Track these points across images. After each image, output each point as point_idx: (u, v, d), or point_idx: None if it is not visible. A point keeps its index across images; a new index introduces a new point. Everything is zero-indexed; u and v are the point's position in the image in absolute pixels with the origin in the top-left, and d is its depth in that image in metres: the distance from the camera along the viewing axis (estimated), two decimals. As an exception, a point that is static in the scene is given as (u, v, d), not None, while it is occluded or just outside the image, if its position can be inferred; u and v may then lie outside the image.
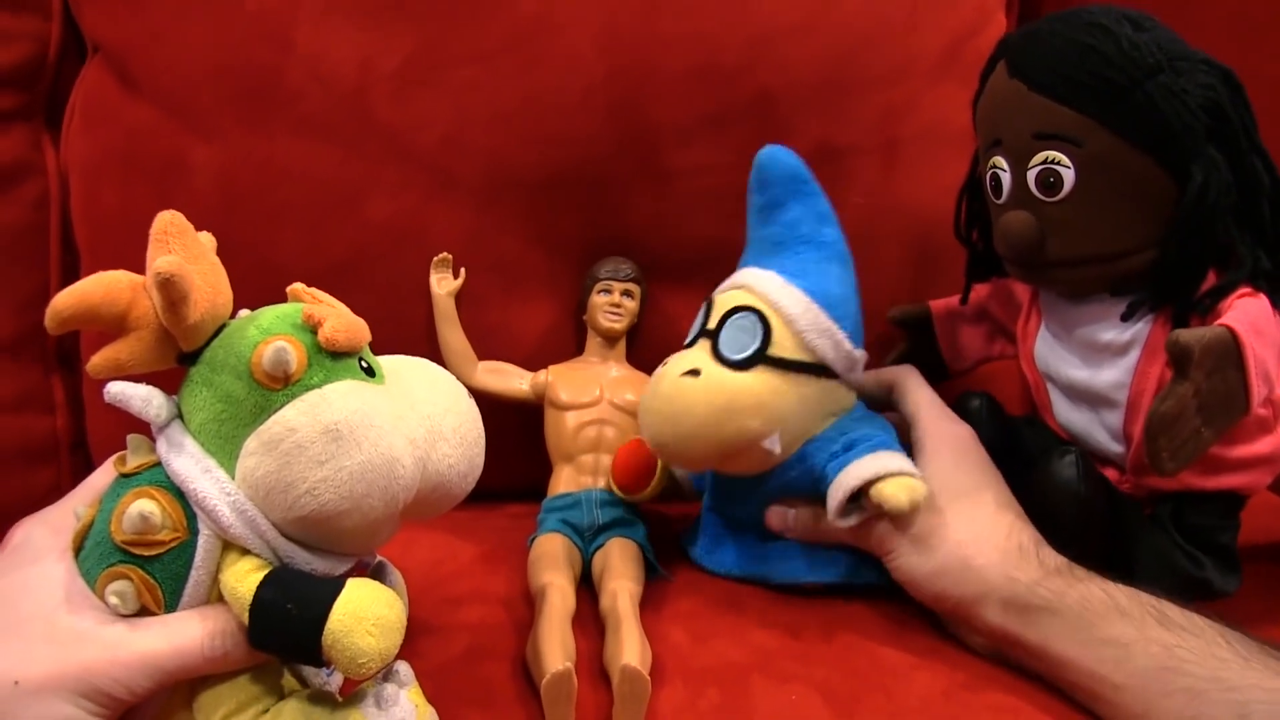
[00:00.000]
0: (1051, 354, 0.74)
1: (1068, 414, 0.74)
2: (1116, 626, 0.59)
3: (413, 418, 0.55)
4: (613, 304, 0.87)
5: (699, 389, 0.68)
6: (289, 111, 0.88)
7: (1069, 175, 0.65)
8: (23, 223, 0.94)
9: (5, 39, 0.92)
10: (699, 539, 0.79)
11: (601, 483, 0.81)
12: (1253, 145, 0.64)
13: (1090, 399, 0.71)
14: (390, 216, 0.89)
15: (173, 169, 0.89)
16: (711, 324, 0.71)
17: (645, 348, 0.90)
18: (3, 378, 0.93)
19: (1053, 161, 0.65)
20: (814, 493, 0.70)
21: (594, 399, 0.85)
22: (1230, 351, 0.59)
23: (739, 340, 0.69)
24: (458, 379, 0.83)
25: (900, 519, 0.67)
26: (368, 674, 0.51)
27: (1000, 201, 0.69)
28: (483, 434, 0.61)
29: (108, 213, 0.90)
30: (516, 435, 0.89)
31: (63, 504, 0.57)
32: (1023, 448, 0.75)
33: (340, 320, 0.54)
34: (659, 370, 0.71)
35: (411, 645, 0.66)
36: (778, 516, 0.74)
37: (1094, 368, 0.70)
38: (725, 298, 0.72)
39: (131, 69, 0.91)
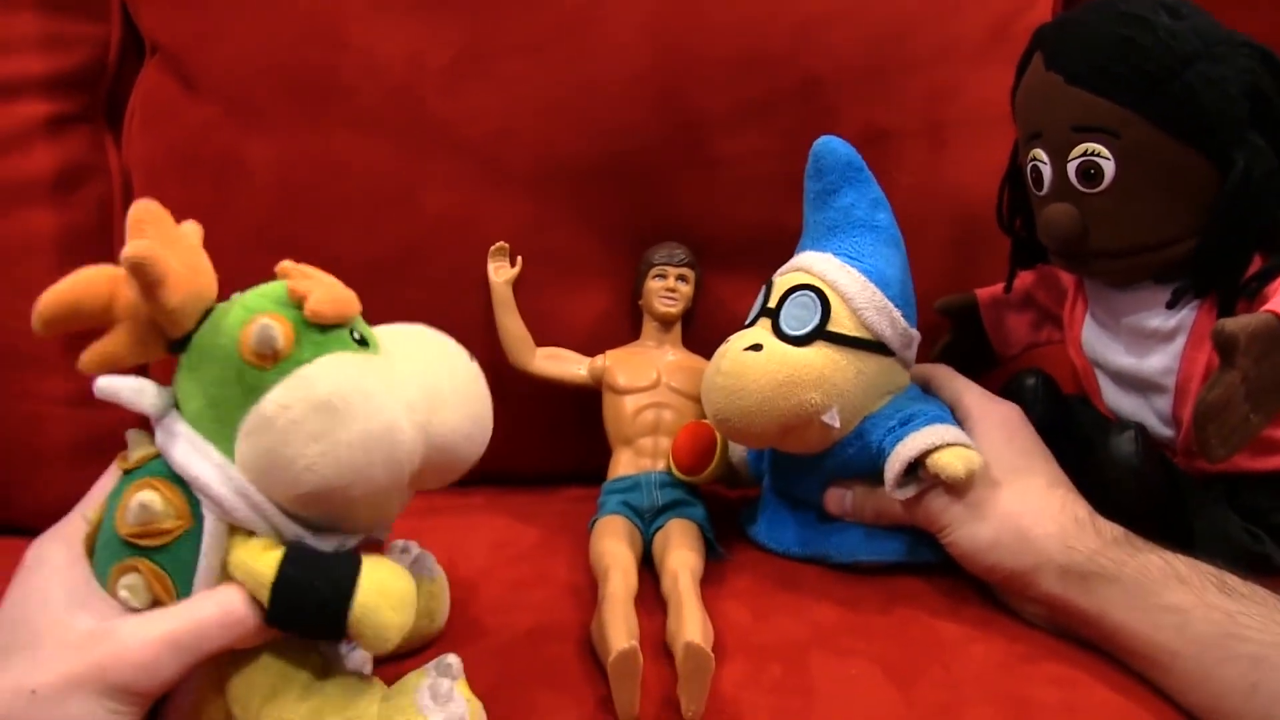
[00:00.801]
0: (1098, 341, 0.74)
1: (1117, 399, 0.74)
2: (1176, 594, 0.59)
3: (409, 384, 0.54)
4: (668, 289, 0.88)
5: (761, 363, 0.69)
6: (343, 107, 0.89)
7: (1109, 167, 0.64)
8: (88, 224, 0.96)
9: (66, 44, 0.94)
10: (759, 518, 0.80)
11: (660, 465, 0.82)
12: None
13: (1138, 385, 0.71)
14: (444, 208, 0.90)
15: (231, 166, 0.90)
16: (772, 303, 0.72)
17: (700, 332, 0.91)
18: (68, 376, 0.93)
19: (1092, 153, 0.65)
20: (871, 472, 0.71)
21: (651, 382, 0.85)
22: (1277, 336, 0.59)
23: (799, 317, 0.70)
24: (517, 365, 0.85)
25: (955, 492, 0.67)
26: (387, 649, 0.51)
27: (1042, 193, 0.69)
28: (487, 395, 0.59)
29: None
30: (575, 420, 0.90)
31: (73, 514, 0.56)
32: (1078, 426, 0.74)
33: (326, 292, 0.53)
34: (721, 348, 0.72)
35: (476, 625, 0.68)
36: (835, 499, 0.75)
37: (1141, 354, 0.70)
38: (784, 279, 0.73)
39: (189, 69, 0.92)
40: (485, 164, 0.90)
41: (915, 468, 0.69)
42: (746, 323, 0.75)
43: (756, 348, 0.70)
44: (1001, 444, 0.69)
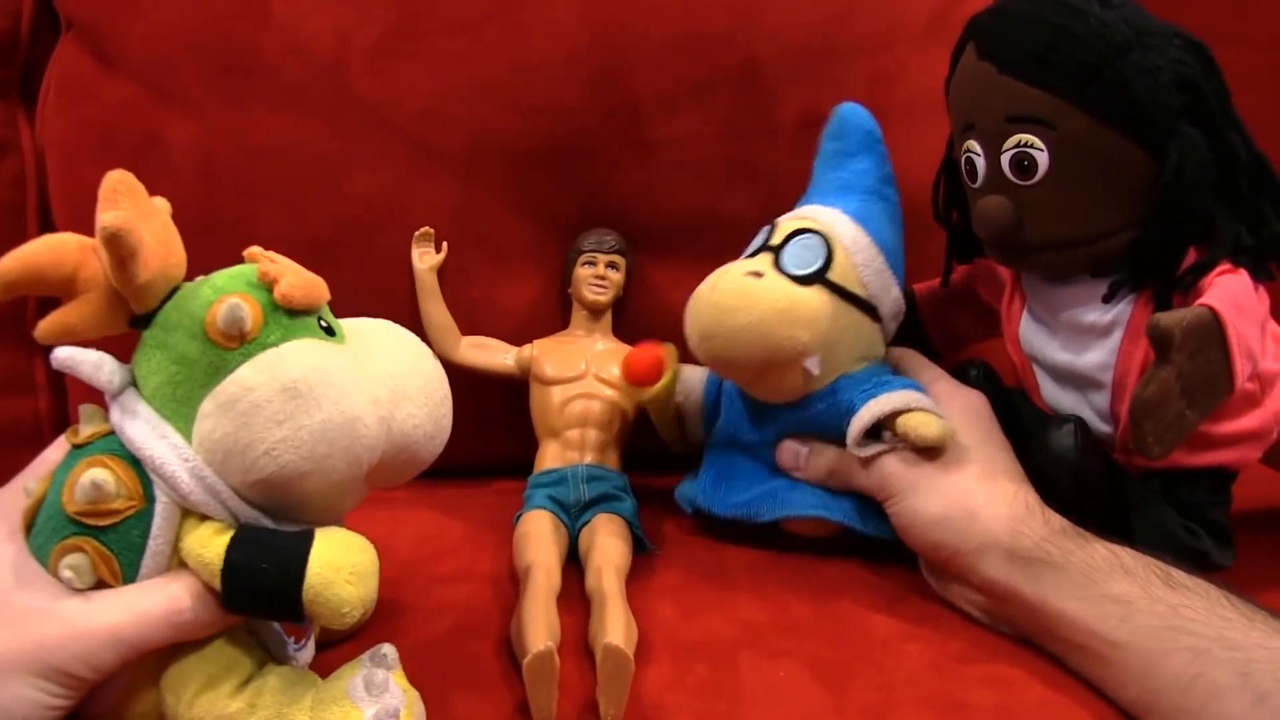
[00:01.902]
0: (1035, 336, 0.74)
1: (1055, 395, 0.74)
2: (1120, 584, 0.59)
3: (375, 377, 0.54)
4: (597, 276, 0.87)
5: (760, 288, 0.70)
6: (267, 85, 0.88)
7: (1043, 158, 0.64)
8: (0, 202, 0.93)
9: (-25, 15, 0.91)
10: (701, 479, 0.80)
11: (588, 457, 0.81)
12: (1228, 119, 0.63)
13: (1075, 380, 0.71)
14: (371, 190, 0.88)
15: (151, 145, 0.88)
16: (775, 241, 0.73)
17: (631, 320, 0.90)
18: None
19: (1026, 144, 0.64)
20: (835, 433, 0.72)
21: (579, 373, 0.84)
22: (1212, 332, 0.59)
23: (802, 257, 0.72)
24: (441, 355, 0.83)
25: (913, 460, 0.68)
26: (350, 624, 0.51)
27: (976, 186, 0.69)
28: (449, 396, 0.59)
29: (86, 190, 0.87)
30: (502, 411, 0.88)
31: (12, 485, 0.55)
32: (1018, 418, 0.74)
33: (297, 277, 0.53)
34: (714, 273, 0.72)
35: (397, 623, 0.66)
36: (789, 452, 0.75)
37: (1077, 350, 0.70)
38: (790, 221, 0.74)
39: (106, 44, 0.90)
40: (414, 145, 0.88)
41: (878, 432, 0.69)
42: (744, 256, 0.75)
43: (757, 274, 0.70)
44: (963, 428, 0.69)
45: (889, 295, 0.74)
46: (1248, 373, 0.61)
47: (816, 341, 0.69)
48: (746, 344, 0.69)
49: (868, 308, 0.73)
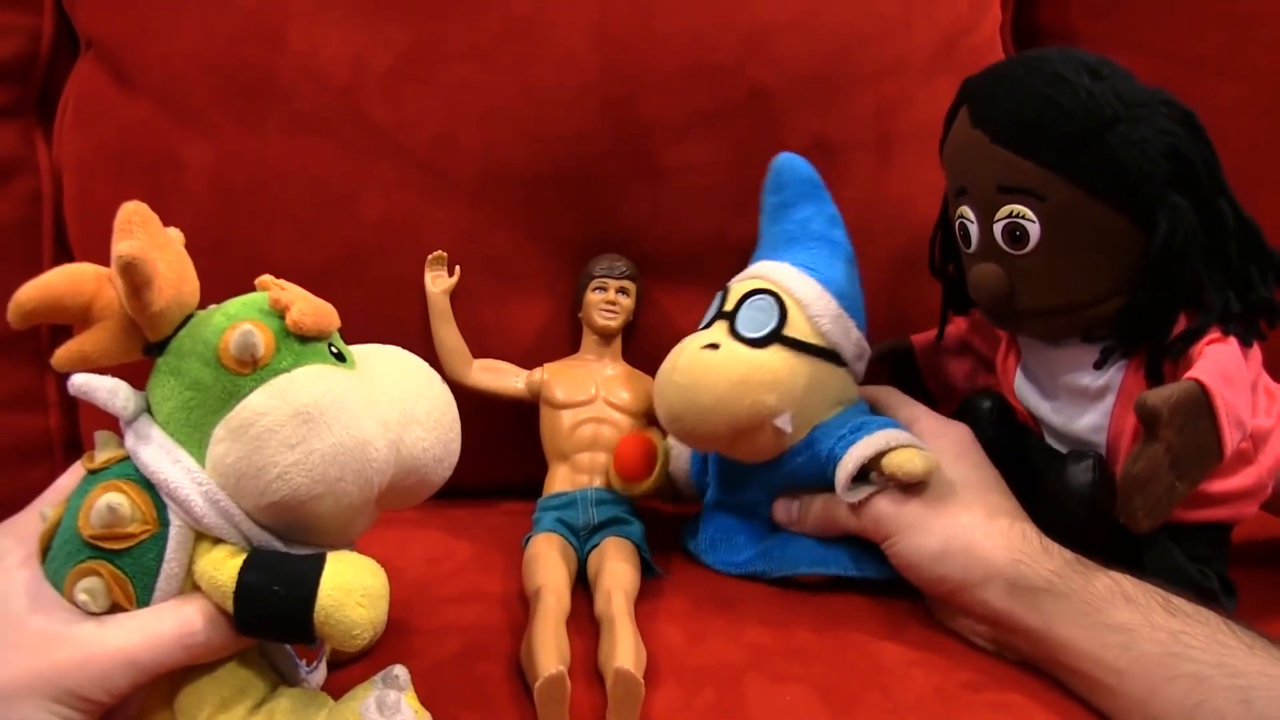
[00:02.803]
0: (1030, 394, 0.74)
1: (1054, 445, 0.74)
2: (1122, 612, 0.59)
3: (384, 401, 0.55)
4: (608, 301, 0.87)
5: (718, 361, 0.70)
6: (282, 109, 0.88)
7: (1034, 229, 0.65)
8: (15, 220, 0.93)
9: (-3, 33, 0.92)
10: (700, 535, 0.80)
11: (597, 481, 0.81)
12: (1217, 186, 0.64)
13: (1070, 441, 0.71)
14: (383, 214, 0.88)
15: (166, 166, 0.88)
16: (728, 307, 0.73)
17: (641, 345, 0.90)
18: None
19: (1018, 215, 0.65)
20: (819, 483, 0.72)
21: (589, 397, 0.84)
22: (1200, 405, 0.60)
23: (756, 319, 0.72)
24: (452, 377, 0.84)
25: (905, 498, 0.68)
26: (360, 646, 0.51)
27: (970, 251, 0.70)
28: (458, 420, 0.60)
29: (101, 210, 0.88)
30: (512, 434, 0.88)
31: (29, 510, 0.56)
32: (1029, 452, 0.74)
33: (308, 304, 0.54)
34: (675, 348, 0.73)
35: (406, 644, 0.66)
36: (783, 509, 0.75)
37: (1071, 413, 0.70)
38: (741, 285, 0.74)
39: (124, 65, 0.90)
40: (426, 170, 0.88)
41: (865, 475, 0.69)
42: (700, 327, 0.75)
43: (714, 346, 0.70)
44: (952, 460, 0.70)
45: (850, 339, 0.74)
46: (1237, 440, 0.62)
47: (784, 401, 0.70)
48: (713, 418, 0.70)
49: (830, 355, 0.73)
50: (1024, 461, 0.73)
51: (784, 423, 0.70)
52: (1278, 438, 0.68)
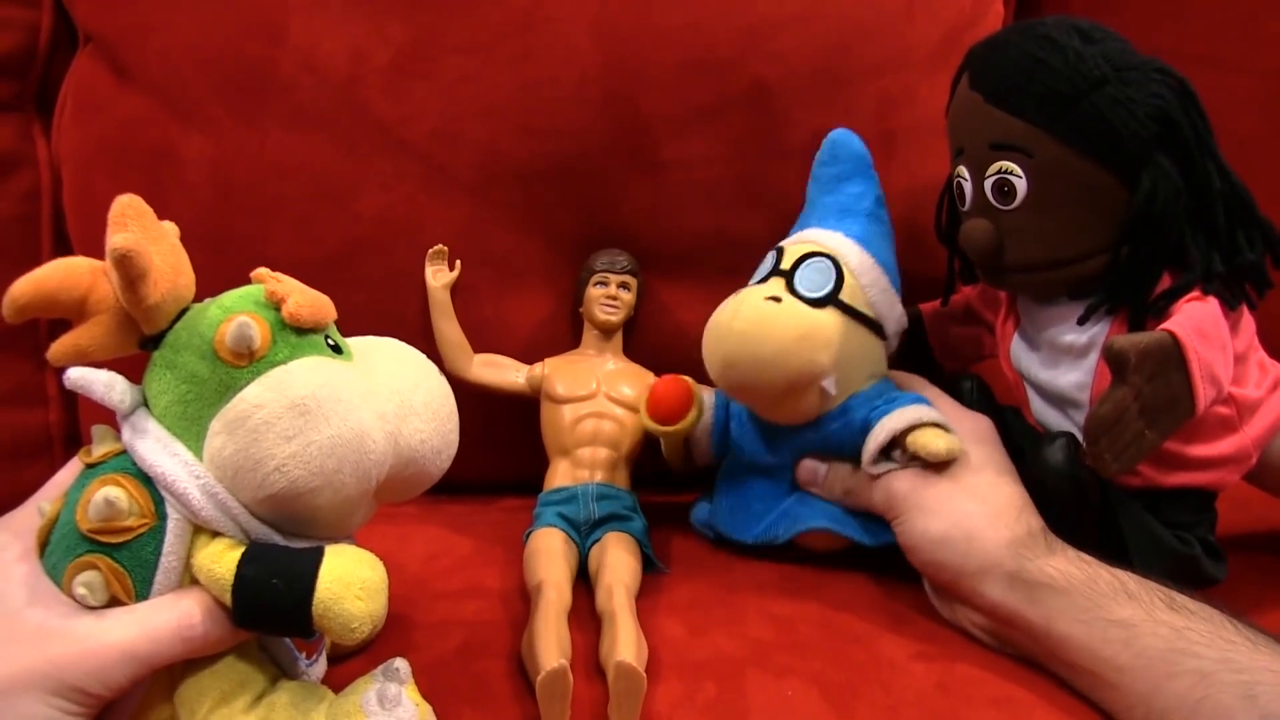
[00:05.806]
0: (1024, 355, 0.75)
1: (1042, 411, 0.75)
2: (1124, 608, 0.59)
3: (382, 393, 0.55)
4: (609, 296, 0.87)
5: (783, 314, 0.71)
6: (281, 103, 0.88)
7: (1021, 184, 0.68)
8: (14, 214, 0.93)
9: (-4, 28, 0.92)
10: (717, 506, 0.81)
11: (599, 476, 0.81)
12: (1206, 150, 0.66)
13: (1057, 399, 0.73)
14: (383, 209, 0.88)
15: (165, 160, 0.88)
16: (784, 265, 0.74)
17: (642, 340, 0.90)
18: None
19: (1006, 171, 0.68)
20: (851, 451, 0.73)
21: (590, 392, 0.84)
22: (1171, 356, 0.61)
23: (815, 280, 0.73)
24: (453, 372, 0.84)
25: (915, 483, 0.69)
26: (359, 639, 0.51)
27: (964, 209, 0.73)
28: (455, 411, 0.60)
29: (100, 204, 0.87)
30: (512, 428, 0.88)
31: (26, 506, 0.56)
32: (1009, 433, 0.75)
33: (304, 296, 0.54)
34: (732, 298, 0.73)
35: (406, 640, 0.66)
36: (809, 470, 0.76)
37: (1057, 369, 0.72)
38: (797, 247, 0.75)
39: (123, 59, 0.90)
40: (426, 165, 0.88)
41: (891, 450, 0.71)
42: (753, 282, 0.75)
43: (775, 299, 0.71)
44: (968, 448, 0.70)
45: (894, 313, 0.76)
46: (1210, 396, 0.63)
47: (833, 363, 0.71)
48: (770, 370, 0.70)
49: (875, 326, 0.75)
50: (1006, 442, 0.73)
51: (830, 385, 0.71)
52: (1267, 410, 0.70)
